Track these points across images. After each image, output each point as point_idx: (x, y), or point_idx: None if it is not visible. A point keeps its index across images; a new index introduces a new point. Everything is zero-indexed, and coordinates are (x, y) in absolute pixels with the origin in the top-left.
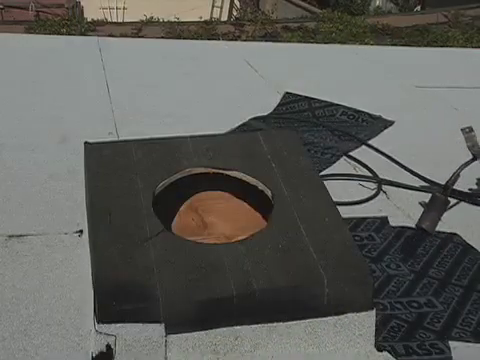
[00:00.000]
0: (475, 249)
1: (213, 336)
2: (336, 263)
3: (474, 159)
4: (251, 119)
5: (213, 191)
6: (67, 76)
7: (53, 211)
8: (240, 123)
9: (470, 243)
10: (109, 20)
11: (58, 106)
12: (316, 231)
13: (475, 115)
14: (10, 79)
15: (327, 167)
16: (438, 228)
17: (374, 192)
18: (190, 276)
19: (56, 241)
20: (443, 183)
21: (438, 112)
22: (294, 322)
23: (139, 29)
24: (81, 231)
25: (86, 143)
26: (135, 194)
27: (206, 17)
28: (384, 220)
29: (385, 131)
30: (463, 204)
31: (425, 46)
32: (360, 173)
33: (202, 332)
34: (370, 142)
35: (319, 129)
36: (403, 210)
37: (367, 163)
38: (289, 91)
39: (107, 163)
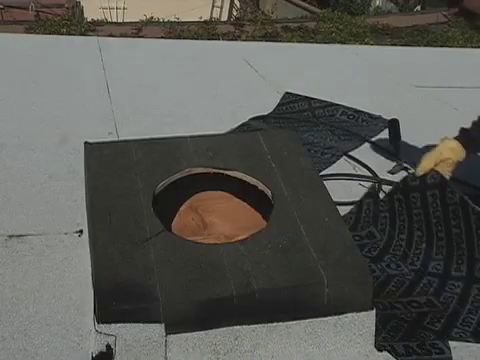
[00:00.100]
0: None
1: (213, 336)
2: (336, 263)
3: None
4: (251, 119)
5: (213, 191)
6: (67, 76)
7: (53, 211)
8: (240, 123)
9: None
10: (109, 20)
11: (58, 106)
12: (316, 231)
13: (475, 115)
14: (10, 79)
15: (327, 167)
16: None
17: None
18: (190, 276)
19: (56, 241)
20: None
21: (438, 112)
22: (294, 322)
23: (139, 29)
24: (81, 231)
25: (86, 143)
26: (135, 194)
27: (206, 17)
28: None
29: (385, 131)
30: None
31: (425, 46)
32: (360, 173)
33: (202, 332)
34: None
35: (319, 129)
36: None
37: (367, 163)
38: (289, 91)
39: (107, 163)
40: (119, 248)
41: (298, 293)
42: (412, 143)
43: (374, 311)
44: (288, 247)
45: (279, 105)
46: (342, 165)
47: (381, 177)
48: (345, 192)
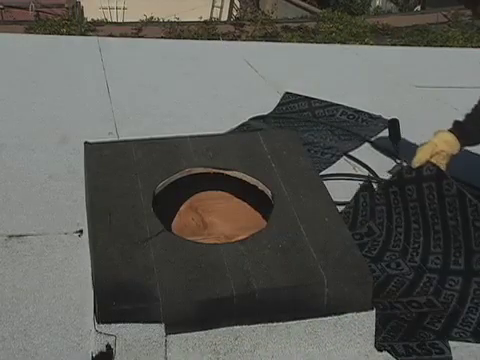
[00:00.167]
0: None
1: (213, 336)
2: (336, 263)
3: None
4: (251, 119)
5: (213, 191)
6: (67, 76)
7: (53, 211)
8: (240, 123)
9: None
10: (109, 20)
11: (58, 106)
12: (316, 231)
13: None
14: (10, 79)
15: (327, 167)
16: None
17: None
18: (190, 276)
19: (56, 241)
20: None
21: (438, 112)
22: (294, 322)
23: (139, 29)
24: (81, 231)
25: (86, 143)
26: (135, 194)
27: (206, 17)
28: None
29: (385, 131)
30: None
31: (425, 46)
32: (360, 173)
33: (202, 332)
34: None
35: (319, 129)
36: None
37: (367, 163)
38: (289, 91)
39: (107, 163)
40: (119, 248)
41: (298, 293)
42: (412, 143)
43: (374, 311)
44: (288, 247)
45: (279, 105)
46: (342, 165)
47: (381, 177)
48: (345, 192)
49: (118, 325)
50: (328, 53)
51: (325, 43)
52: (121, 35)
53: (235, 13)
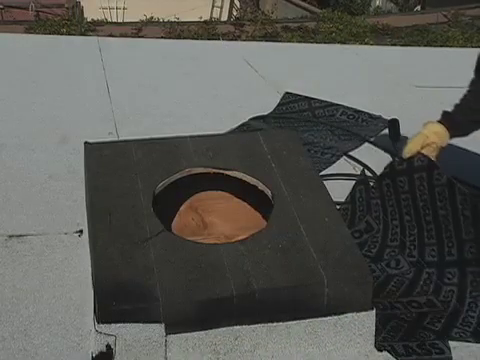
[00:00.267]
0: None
1: (213, 336)
2: (336, 263)
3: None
4: (251, 119)
5: (213, 191)
6: (67, 76)
7: (53, 211)
8: (240, 123)
9: None
10: (109, 20)
11: (58, 106)
12: (316, 231)
13: None
14: (10, 79)
15: (327, 167)
16: None
17: None
18: (190, 276)
19: (56, 241)
20: None
21: (438, 112)
22: (294, 322)
23: (139, 29)
24: (81, 231)
25: (86, 143)
26: (135, 194)
27: (206, 17)
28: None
29: (385, 131)
30: None
31: (425, 46)
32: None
33: (202, 332)
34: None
35: (319, 129)
36: None
37: (367, 163)
38: (289, 91)
39: (107, 163)
40: (119, 248)
41: (298, 293)
42: None
43: (374, 311)
44: (288, 247)
45: (279, 105)
46: (342, 165)
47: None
48: (345, 192)
49: (118, 325)
50: (328, 53)
51: (325, 43)
52: (121, 35)
53: (235, 13)
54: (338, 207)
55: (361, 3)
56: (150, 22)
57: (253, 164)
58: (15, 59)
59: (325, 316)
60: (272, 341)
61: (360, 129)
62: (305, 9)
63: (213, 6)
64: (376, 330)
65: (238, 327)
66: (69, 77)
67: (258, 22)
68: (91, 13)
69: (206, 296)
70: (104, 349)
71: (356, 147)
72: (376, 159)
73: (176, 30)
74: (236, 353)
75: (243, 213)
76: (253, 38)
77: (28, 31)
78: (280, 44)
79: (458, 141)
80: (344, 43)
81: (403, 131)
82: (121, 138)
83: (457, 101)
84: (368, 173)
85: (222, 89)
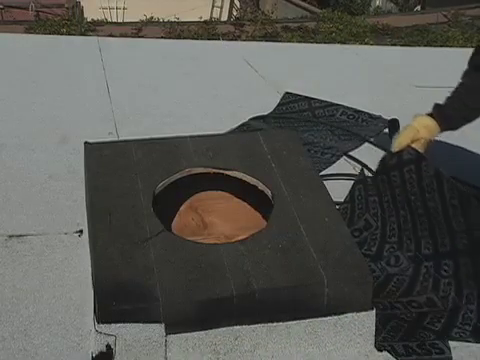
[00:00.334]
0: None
1: (213, 336)
2: (336, 263)
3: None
4: (251, 119)
5: (213, 191)
6: (67, 76)
7: (53, 211)
8: (240, 123)
9: None
10: (109, 20)
11: (58, 106)
12: (316, 231)
13: None
14: (10, 79)
15: (327, 167)
16: None
17: None
18: (190, 276)
19: (56, 241)
20: None
21: None
22: (294, 322)
23: (139, 29)
24: (81, 231)
25: (86, 143)
26: (135, 194)
27: (206, 17)
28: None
29: (385, 131)
30: None
31: (425, 46)
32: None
33: (202, 332)
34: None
35: (319, 129)
36: None
37: (367, 163)
38: (289, 91)
39: (107, 163)
40: (119, 248)
41: (298, 293)
42: None
43: (374, 311)
44: (288, 247)
45: (279, 105)
46: (342, 165)
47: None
48: (345, 192)
49: (118, 325)
50: (328, 53)
51: (325, 43)
52: (121, 35)
53: (235, 13)
54: (338, 207)
55: (361, 3)
56: (150, 22)
57: (253, 164)
58: (15, 59)
59: (325, 316)
60: (272, 341)
61: (360, 129)
62: (305, 9)
63: (213, 6)
64: (376, 330)
65: (238, 327)
66: (69, 77)
67: (258, 22)
68: (91, 13)
69: (206, 296)
70: (104, 349)
71: (356, 147)
72: (376, 159)
73: (176, 30)
74: (236, 353)
75: (243, 213)
76: (253, 38)
77: (28, 31)
78: (280, 44)
79: (459, 141)
80: (344, 43)
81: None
82: (121, 138)
83: (449, 94)
84: (367, 172)
85: (222, 89)
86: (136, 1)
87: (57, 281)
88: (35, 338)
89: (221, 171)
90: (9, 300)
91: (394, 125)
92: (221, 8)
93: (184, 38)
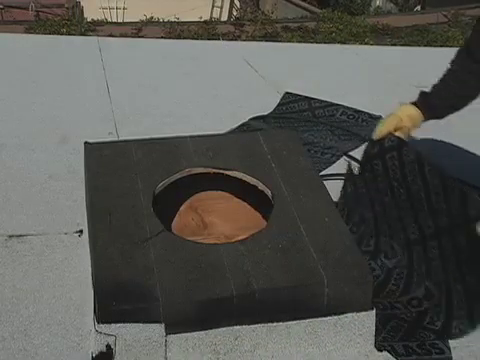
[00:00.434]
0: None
1: (213, 336)
2: (336, 263)
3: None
4: (251, 119)
5: (213, 191)
6: (67, 76)
7: (53, 211)
8: (240, 123)
9: None
10: (109, 20)
11: (58, 106)
12: (316, 231)
13: (475, 114)
14: (10, 79)
15: (327, 167)
16: None
17: None
18: (190, 276)
19: (56, 241)
20: None
21: None
22: (294, 322)
23: (139, 29)
24: (81, 231)
25: (86, 143)
26: (135, 194)
27: (206, 17)
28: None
29: None
30: None
31: (425, 46)
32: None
33: (202, 332)
34: None
35: (319, 129)
36: None
37: None
38: (289, 91)
39: (107, 163)
40: (119, 248)
41: (298, 293)
42: None
43: (374, 311)
44: (288, 247)
45: (279, 105)
46: (342, 165)
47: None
48: None
49: (118, 325)
50: (328, 53)
51: (325, 43)
52: (121, 35)
53: (235, 13)
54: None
55: (361, 3)
56: (150, 22)
57: (253, 164)
58: (15, 59)
59: (325, 316)
60: (272, 341)
61: (360, 129)
62: (305, 9)
63: (213, 6)
64: (376, 330)
65: (238, 327)
66: (69, 77)
67: (258, 22)
68: (91, 13)
69: (206, 296)
70: (104, 349)
71: (356, 147)
72: None
73: (176, 30)
74: (236, 353)
75: (243, 213)
76: (253, 38)
77: (28, 31)
78: (280, 44)
79: (458, 141)
80: (344, 43)
81: None
82: (121, 138)
83: (436, 82)
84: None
85: (222, 89)
86: (136, 1)
87: (57, 281)
88: (35, 338)
89: (221, 171)
90: (9, 300)
91: None
92: (221, 8)
93: (184, 38)
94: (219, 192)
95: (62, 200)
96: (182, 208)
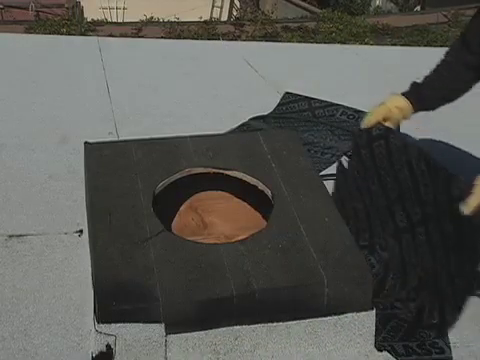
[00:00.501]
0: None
1: (213, 336)
2: (336, 263)
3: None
4: (251, 119)
5: (213, 191)
6: (67, 76)
7: (53, 211)
8: (240, 123)
9: None
10: (109, 20)
11: (58, 106)
12: (316, 231)
13: (475, 114)
14: (10, 79)
15: (327, 167)
16: None
17: None
18: (190, 276)
19: (56, 241)
20: None
21: (438, 112)
22: (294, 322)
23: (139, 29)
24: (81, 231)
25: (86, 143)
26: (135, 194)
27: (206, 17)
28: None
29: None
30: None
31: (425, 46)
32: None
33: (202, 332)
34: None
35: (319, 129)
36: None
37: None
38: (289, 91)
39: (107, 163)
40: (119, 248)
41: (298, 293)
42: None
43: (374, 311)
44: (288, 247)
45: (279, 105)
46: None
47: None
48: None
49: (118, 325)
50: (328, 53)
51: (325, 43)
52: (121, 35)
53: (235, 13)
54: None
55: (361, 3)
56: (150, 22)
57: (253, 164)
58: (15, 59)
59: (325, 316)
60: (272, 341)
61: None
62: (305, 9)
63: (213, 6)
64: (376, 330)
65: (238, 327)
66: (69, 77)
67: (258, 22)
68: (91, 13)
69: (206, 296)
70: (104, 349)
71: None
72: None
73: (176, 30)
74: (236, 353)
75: (243, 213)
76: (253, 38)
77: (28, 31)
78: (280, 44)
79: (458, 141)
80: (344, 43)
81: (403, 130)
82: (121, 138)
83: (428, 73)
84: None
85: (222, 89)
86: (136, 1)
87: (57, 281)
88: (35, 338)
89: (221, 171)
90: (9, 300)
91: None
92: (221, 8)
93: (184, 38)
94: (219, 192)
95: (62, 200)
96: (182, 208)
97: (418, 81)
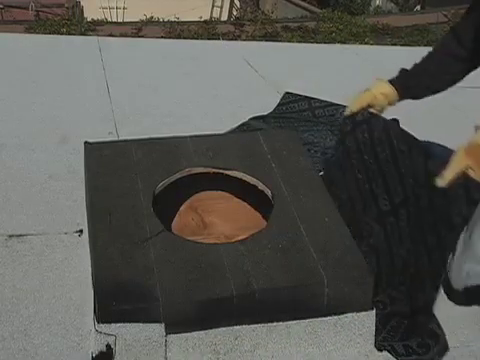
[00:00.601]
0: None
1: (213, 336)
2: (336, 263)
3: None
4: (251, 119)
5: (213, 191)
6: (67, 76)
7: (53, 211)
8: (240, 123)
9: None
10: (109, 20)
11: (58, 106)
12: (316, 231)
13: (475, 115)
14: (10, 79)
15: None
16: None
17: None
18: (190, 276)
19: (56, 241)
20: None
21: (438, 112)
22: (294, 322)
23: (139, 29)
24: (81, 231)
25: (86, 143)
26: (135, 194)
27: (206, 17)
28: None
29: None
30: None
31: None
32: None
33: (202, 332)
34: None
35: (319, 129)
36: None
37: None
38: (289, 91)
39: (107, 163)
40: (119, 248)
41: (298, 293)
42: None
43: (374, 311)
44: (288, 247)
45: (279, 105)
46: None
47: None
48: None
49: (118, 325)
50: (328, 53)
51: (325, 43)
52: (121, 35)
53: (235, 13)
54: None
55: (361, 3)
56: (150, 22)
57: (253, 164)
58: (15, 59)
59: (325, 316)
60: (272, 341)
61: None
62: (305, 9)
63: (213, 6)
64: (376, 330)
65: (238, 327)
66: (69, 77)
67: (258, 22)
68: (91, 13)
69: (206, 296)
70: (104, 349)
71: None
72: None
73: (176, 30)
74: (236, 353)
75: (243, 213)
76: (253, 38)
77: (28, 31)
78: (280, 44)
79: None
80: (344, 43)
81: None
82: (121, 138)
83: (418, 61)
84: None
85: (222, 89)
86: (136, 1)
87: (57, 281)
88: (35, 338)
89: (221, 171)
90: (9, 300)
91: None
92: (221, 8)
93: (184, 38)
94: (219, 192)
95: (62, 200)
96: (182, 208)
97: (407, 68)
